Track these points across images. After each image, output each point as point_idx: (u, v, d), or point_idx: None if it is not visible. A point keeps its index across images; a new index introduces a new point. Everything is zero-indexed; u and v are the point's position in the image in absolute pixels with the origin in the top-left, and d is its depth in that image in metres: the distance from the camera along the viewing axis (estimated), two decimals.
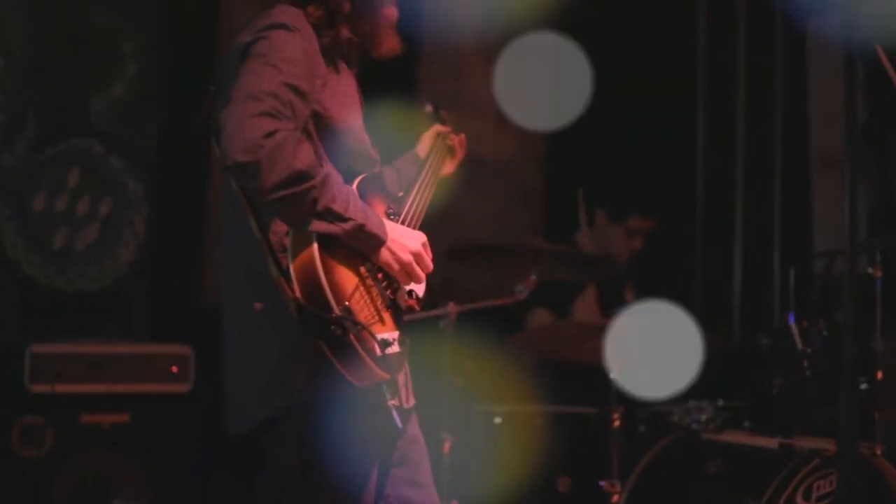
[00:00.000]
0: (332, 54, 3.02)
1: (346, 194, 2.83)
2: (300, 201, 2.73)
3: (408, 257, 2.97)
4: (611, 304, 5.22)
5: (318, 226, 2.77)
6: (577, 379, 5.20)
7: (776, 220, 7.47)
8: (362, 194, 2.96)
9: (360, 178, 3.01)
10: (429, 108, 3.82)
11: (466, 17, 7.22)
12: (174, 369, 5.44)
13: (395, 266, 2.96)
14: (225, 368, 3.06)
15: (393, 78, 3.26)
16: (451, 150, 3.69)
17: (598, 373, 4.83)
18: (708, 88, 7.82)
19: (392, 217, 3.08)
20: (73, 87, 5.97)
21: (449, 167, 3.70)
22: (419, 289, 3.10)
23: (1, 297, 5.74)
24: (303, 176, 2.71)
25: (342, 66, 3.08)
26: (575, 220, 6.27)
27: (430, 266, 3.05)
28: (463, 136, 3.76)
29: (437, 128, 3.70)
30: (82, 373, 5.30)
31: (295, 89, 2.79)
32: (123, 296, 6.05)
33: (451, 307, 4.82)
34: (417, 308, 3.07)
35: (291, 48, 2.84)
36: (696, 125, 7.76)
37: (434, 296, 3.31)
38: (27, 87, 5.83)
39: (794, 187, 7.47)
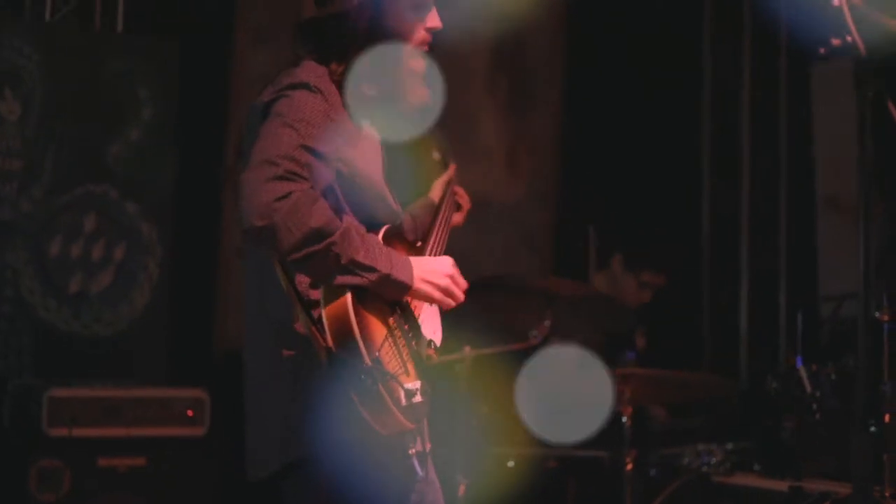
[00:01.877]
0: None
1: (370, 244, 2.87)
2: (322, 258, 2.77)
3: (445, 281, 3.02)
4: (621, 350, 5.26)
5: (345, 279, 2.81)
6: None
7: (782, 263, 7.53)
8: (387, 245, 3.01)
9: (385, 228, 3.05)
10: (436, 156, 3.86)
11: (475, 59, 7.32)
12: (190, 413, 5.49)
13: (436, 294, 3.01)
14: (247, 413, 3.10)
15: None
16: (457, 203, 3.74)
17: (610, 416, 4.89)
18: (713, 131, 7.90)
19: None
20: (90, 133, 6.04)
21: (458, 217, 3.74)
22: (437, 338, 3.15)
23: (17, 341, 5.78)
24: (320, 233, 2.75)
25: None
26: (583, 262, 6.31)
27: (465, 283, 3.10)
28: (461, 190, 3.81)
29: (447, 173, 3.75)
30: (99, 417, 5.35)
31: (312, 151, 2.81)
32: (139, 340, 6.08)
33: (467, 351, 4.87)
34: (435, 357, 3.12)
35: (311, 108, 2.86)
36: (702, 168, 7.83)
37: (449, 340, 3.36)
38: (44, 133, 5.90)
39: (799, 230, 7.55)
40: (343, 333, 2.79)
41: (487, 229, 7.05)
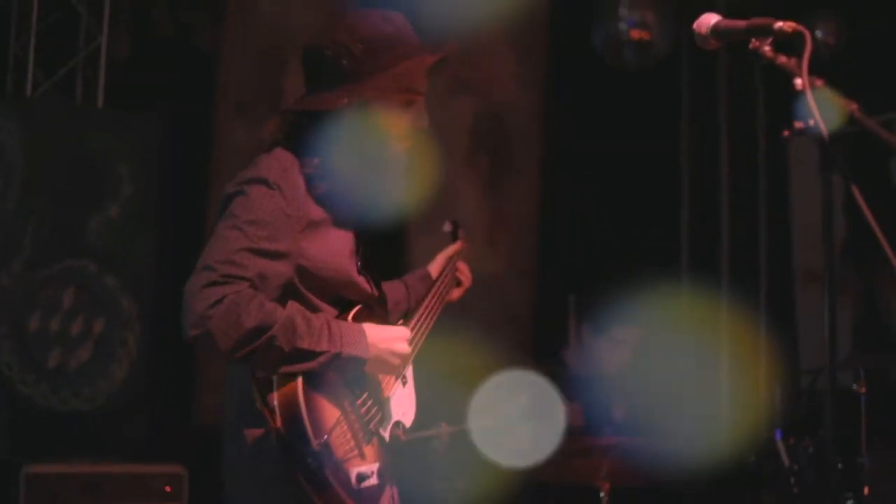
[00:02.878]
0: (326, 203, 2.99)
1: (316, 327, 2.84)
2: (264, 352, 2.77)
3: (396, 361, 3.01)
4: (599, 421, 5.26)
5: (290, 368, 2.81)
6: (567, 498, 5.22)
7: (761, 335, 7.54)
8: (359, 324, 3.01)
9: (355, 309, 3.04)
10: (447, 227, 3.83)
11: (455, 137, 7.37)
12: (168, 489, 5.46)
13: (384, 372, 3.02)
14: (224, 489, 3.10)
15: None
16: (457, 279, 3.73)
17: (587, 491, 4.86)
18: (691, 205, 7.95)
19: None
20: (70, 208, 6.05)
21: (456, 293, 3.75)
22: (407, 419, 3.14)
23: None
24: (258, 331, 2.74)
25: None
26: (563, 335, 6.32)
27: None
28: (465, 266, 3.81)
29: (453, 248, 3.75)
30: (77, 493, 5.33)
31: (260, 252, 2.80)
32: (117, 415, 6.06)
33: (444, 427, 4.86)
34: (403, 438, 3.11)
35: (265, 208, 2.84)
36: (680, 242, 7.86)
37: (426, 416, 3.35)
38: (24, 208, 5.91)
39: (778, 302, 7.57)
40: (292, 417, 2.80)
41: (467, 304, 7.04)
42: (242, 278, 2.76)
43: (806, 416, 5.31)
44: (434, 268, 3.72)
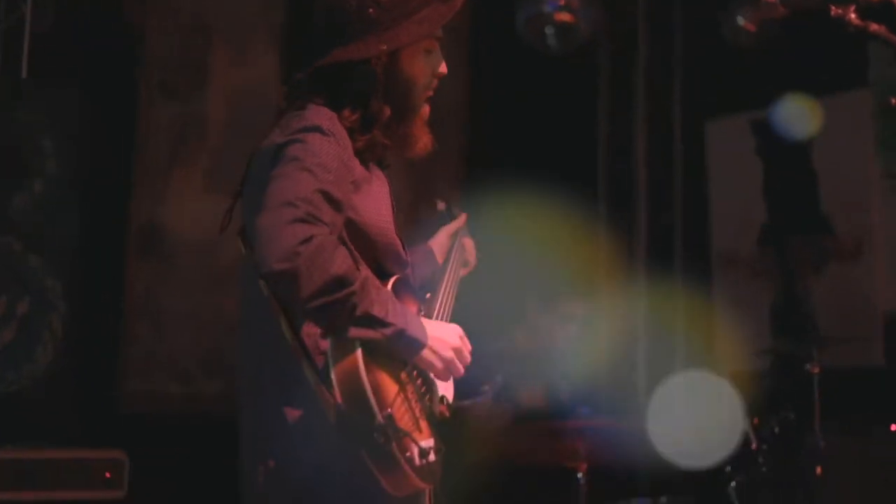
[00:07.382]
0: (366, 157, 2.95)
1: (385, 298, 2.73)
2: (340, 308, 2.63)
3: (450, 354, 2.89)
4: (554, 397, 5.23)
5: (359, 332, 2.67)
6: (543, 481, 5.14)
7: (679, 318, 7.60)
8: (396, 296, 2.91)
9: (394, 279, 2.94)
10: (441, 206, 3.73)
11: None
12: (108, 475, 5.26)
13: (439, 365, 2.89)
14: (248, 477, 2.93)
15: None
16: (465, 260, 3.65)
17: (563, 473, 4.79)
18: (608, 196, 7.97)
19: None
20: None
21: (463, 272, 3.64)
22: (449, 394, 3.05)
23: None
24: (341, 281, 2.61)
25: (373, 167, 3.01)
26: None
27: (468, 358, 2.98)
28: (471, 244, 3.72)
29: (455, 223, 3.65)
30: (10, 480, 5.09)
31: (328, 196, 2.68)
32: (42, 399, 5.82)
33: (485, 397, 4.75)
34: (447, 414, 3.01)
35: (326, 153, 2.74)
36: (598, 233, 7.86)
37: None
38: None
39: (696, 286, 7.62)
40: (353, 389, 2.65)
41: None
42: (323, 222, 2.64)
43: (768, 397, 5.33)
44: (436, 244, 3.59)
